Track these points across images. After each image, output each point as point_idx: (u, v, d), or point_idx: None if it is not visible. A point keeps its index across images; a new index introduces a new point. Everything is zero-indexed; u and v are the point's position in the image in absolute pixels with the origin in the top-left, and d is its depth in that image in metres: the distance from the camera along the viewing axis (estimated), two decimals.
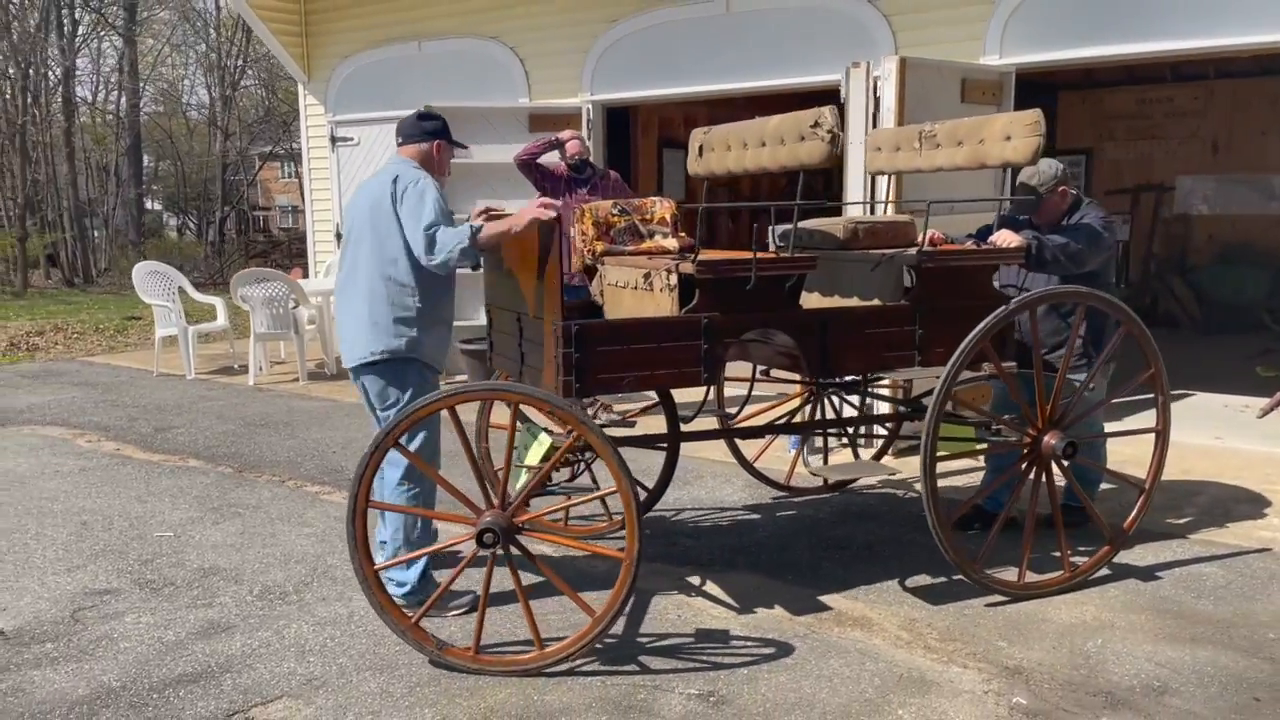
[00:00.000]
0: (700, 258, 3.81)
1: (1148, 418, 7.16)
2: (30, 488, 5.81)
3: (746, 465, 5.56)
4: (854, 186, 6.60)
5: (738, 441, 5.50)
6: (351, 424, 7.32)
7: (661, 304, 3.93)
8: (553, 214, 3.67)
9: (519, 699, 3.34)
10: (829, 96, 7.53)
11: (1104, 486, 5.71)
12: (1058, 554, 4.33)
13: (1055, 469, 4.28)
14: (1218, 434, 6.74)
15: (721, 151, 4.44)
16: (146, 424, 7.46)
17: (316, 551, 4.73)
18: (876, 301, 4.30)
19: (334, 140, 10.80)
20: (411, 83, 10.03)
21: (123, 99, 26.43)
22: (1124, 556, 4.62)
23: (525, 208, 3.78)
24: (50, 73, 23.68)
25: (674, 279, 3.84)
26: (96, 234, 25.51)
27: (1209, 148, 11.77)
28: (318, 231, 11.31)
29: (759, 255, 3.84)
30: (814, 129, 3.85)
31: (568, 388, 3.66)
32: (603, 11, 8.75)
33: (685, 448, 6.11)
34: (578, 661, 3.60)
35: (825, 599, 4.18)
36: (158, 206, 34.00)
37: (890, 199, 5.98)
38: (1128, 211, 11.98)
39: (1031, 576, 4.25)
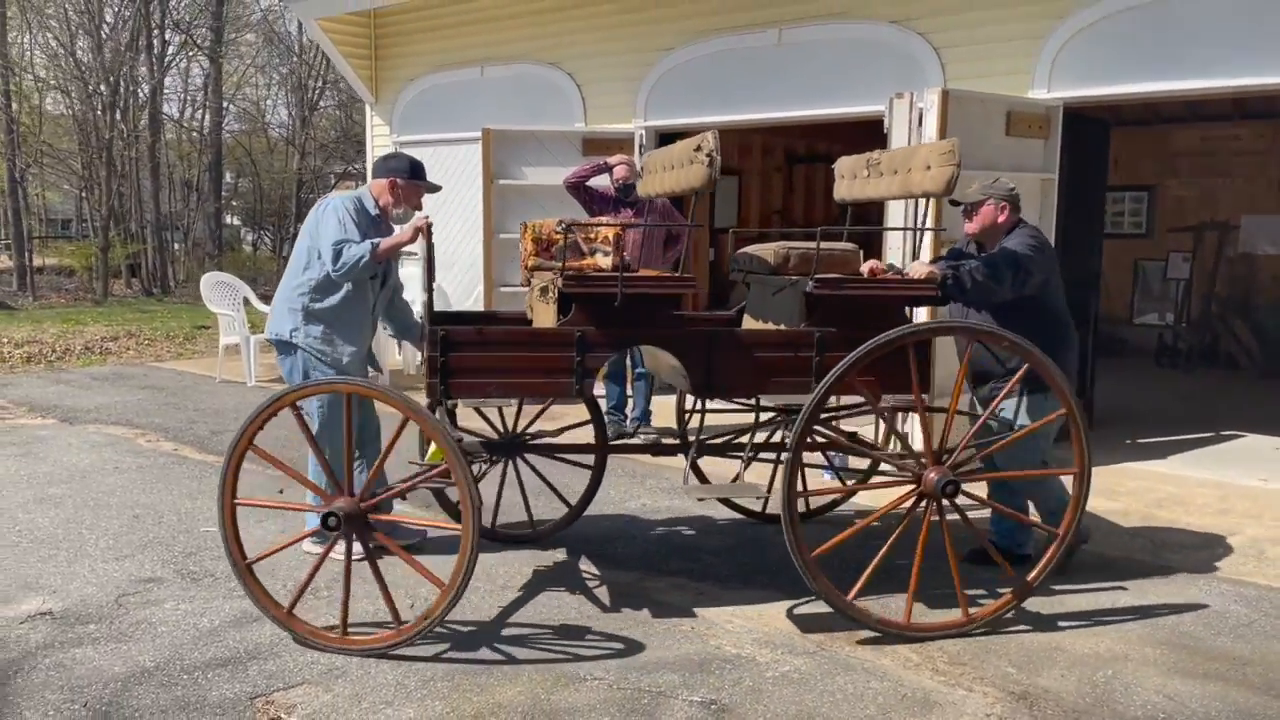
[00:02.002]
0: (569, 273, 3.97)
1: (1189, 457, 7.11)
2: (90, 482, 6.10)
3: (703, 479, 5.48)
4: (895, 215, 6.67)
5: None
6: (388, 429, 7.52)
7: (550, 316, 4.11)
8: (423, 218, 4.34)
9: (526, 697, 3.46)
10: (880, 126, 7.63)
11: (1134, 524, 5.70)
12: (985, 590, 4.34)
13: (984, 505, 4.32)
14: (1264, 476, 6.64)
15: (650, 175, 4.67)
16: (204, 426, 7.76)
17: None
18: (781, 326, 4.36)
19: None
20: (473, 106, 10.32)
21: (207, 117, 27.39)
22: (1149, 593, 4.60)
23: (411, 221, 4.48)
24: (139, 90, 24.63)
25: (555, 292, 4.01)
26: (177, 246, 26.39)
27: (1275, 187, 11.57)
28: None
29: (626, 274, 3.98)
30: (696, 153, 4.00)
31: (432, 389, 3.90)
32: (658, 40, 8.95)
33: (721, 465, 6.21)
34: (589, 666, 3.71)
35: (839, 618, 4.23)
36: (236, 221, 35.02)
37: (932, 226, 6.05)
38: (1190, 250, 11.81)
39: (932, 618, 4.20)
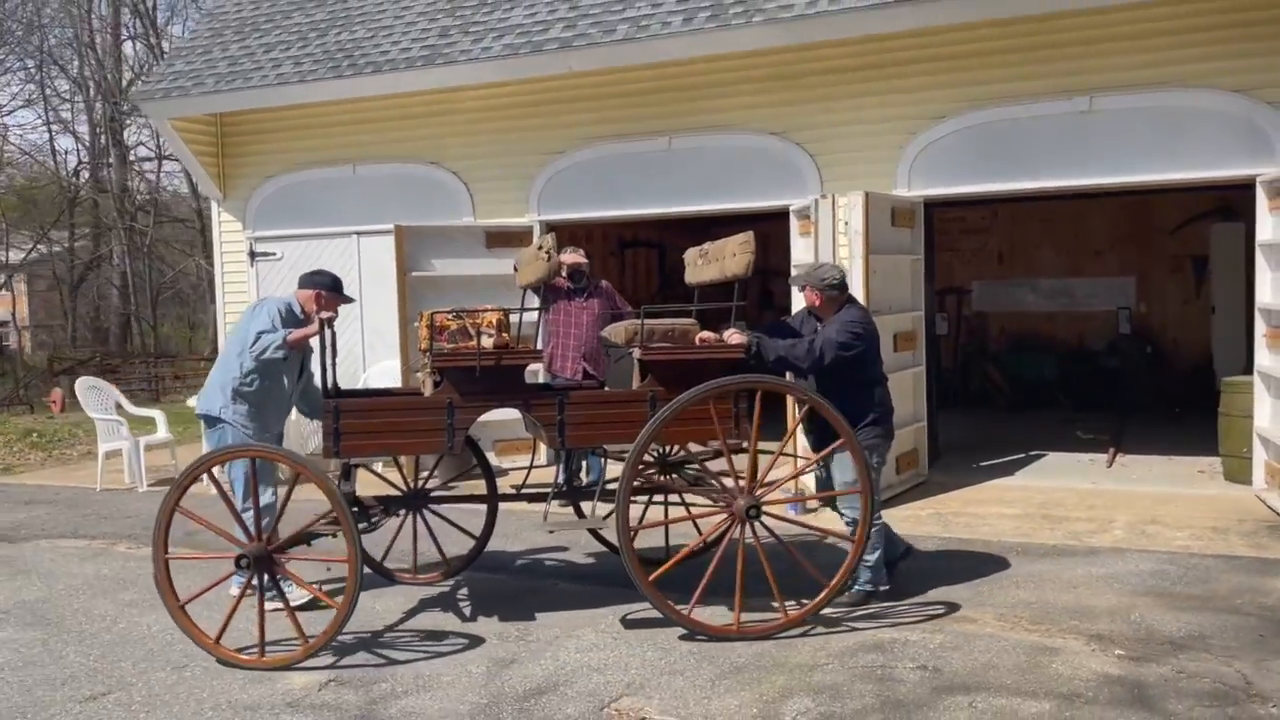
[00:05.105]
0: (439, 351, 4.88)
1: (1029, 472, 8.99)
2: (143, 586, 6.05)
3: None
4: (798, 297, 8.04)
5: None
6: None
7: (429, 388, 5.13)
8: (329, 315, 5.19)
9: (797, 680, 4.38)
10: (762, 218, 9.10)
11: (1039, 523, 7.30)
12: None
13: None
14: (1092, 481, 8.61)
15: (521, 268, 5.95)
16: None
17: (504, 608, 5.48)
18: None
19: (253, 255, 11.21)
20: (345, 200, 10.69)
21: None
22: (1103, 565, 6.14)
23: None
24: None
25: (430, 369, 5.02)
26: None
27: (995, 257, 14.38)
28: None
29: (484, 350, 4.90)
30: (539, 251, 5.29)
31: (327, 450, 4.89)
32: (550, 144, 9.88)
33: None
34: (805, 656, 4.65)
35: (930, 608, 5.42)
36: None
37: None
38: (942, 310, 14.33)
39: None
